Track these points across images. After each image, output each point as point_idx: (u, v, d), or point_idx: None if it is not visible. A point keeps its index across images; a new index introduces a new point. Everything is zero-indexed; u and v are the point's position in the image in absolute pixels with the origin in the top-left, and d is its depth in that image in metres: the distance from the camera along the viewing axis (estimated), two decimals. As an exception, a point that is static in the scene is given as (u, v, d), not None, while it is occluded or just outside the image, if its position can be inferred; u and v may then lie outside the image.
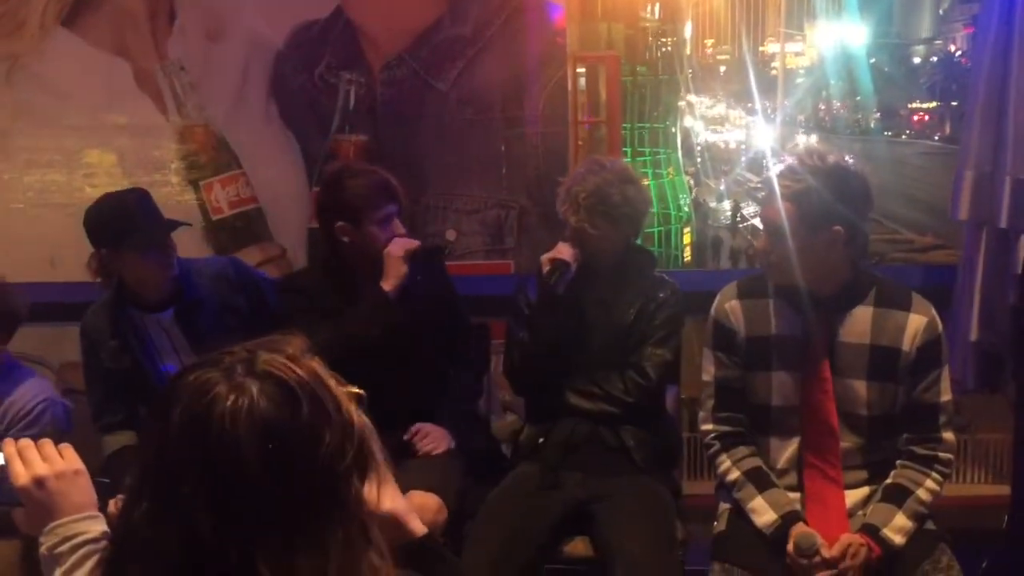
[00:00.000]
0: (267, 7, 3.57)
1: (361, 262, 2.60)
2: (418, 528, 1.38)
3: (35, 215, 3.70)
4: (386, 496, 1.25)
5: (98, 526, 1.30)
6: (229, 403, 1.01)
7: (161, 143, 3.66)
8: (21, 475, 1.29)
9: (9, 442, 1.33)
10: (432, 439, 2.58)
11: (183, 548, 1.00)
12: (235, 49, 3.59)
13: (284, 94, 3.62)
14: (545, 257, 2.54)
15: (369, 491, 1.09)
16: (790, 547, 2.12)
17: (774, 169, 2.23)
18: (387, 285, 2.55)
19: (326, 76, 3.59)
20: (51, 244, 3.64)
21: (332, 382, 1.08)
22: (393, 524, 1.32)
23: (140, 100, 3.63)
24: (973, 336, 2.99)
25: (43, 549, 1.29)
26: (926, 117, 4.23)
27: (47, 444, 1.33)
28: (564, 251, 2.52)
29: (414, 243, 2.60)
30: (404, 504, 1.36)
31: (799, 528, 2.15)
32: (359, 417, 1.09)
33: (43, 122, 3.66)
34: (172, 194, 3.60)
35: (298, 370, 1.06)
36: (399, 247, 2.56)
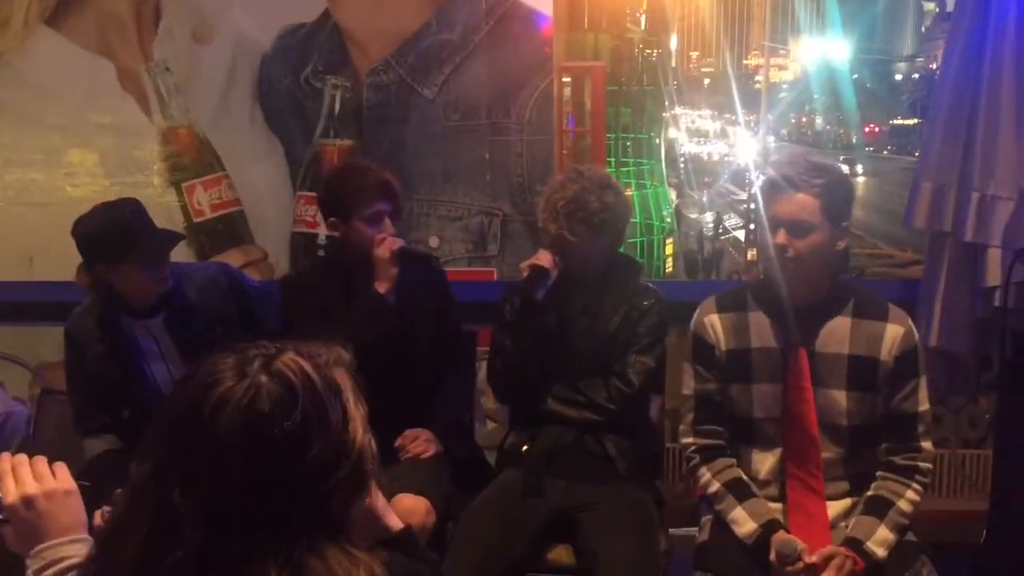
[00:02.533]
0: (254, 9, 3.56)
1: (357, 260, 2.59)
2: (395, 524, 1.38)
3: (14, 214, 3.67)
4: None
5: (84, 549, 1.27)
6: (223, 388, 1.05)
7: (144, 144, 3.63)
8: (10, 492, 1.28)
9: (4, 457, 1.32)
10: (420, 443, 2.58)
11: (155, 521, 1.03)
12: (221, 51, 3.58)
13: (269, 97, 3.61)
14: (525, 264, 2.54)
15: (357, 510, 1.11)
16: (772, 556, 2.13)
17: (788, 164, 2.23)
18: (380, 287, 2.55)
19: (312, 80, 3.58)
20: (30, 243, 3.61)
21: (350, 397, 1.11)
22: (371, 519, 1.33)
23: (123, 100, 3.61)
24: (933, 342, 3.01)
25: (29, 573, 1.27)
26: (877, 129, 4.28)
27: (40, 461, 1.31)
28: (544, 258, 2.52)
29: (398, 242, 2.58)
30: (382, 500, 1.36)
31: (780, 535, 2.16)
32: (364, 437, 1.11)
33: (25, 121, 3.64)
34: (154, 195, 3.58)
35: (314, 375, 1.08)
36: (384, 248, 2.55)
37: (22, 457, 1.31)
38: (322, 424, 1.06)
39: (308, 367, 1.09)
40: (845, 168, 2.22)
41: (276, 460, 1.04)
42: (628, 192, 3.79)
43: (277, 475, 1.03)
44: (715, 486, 2.29)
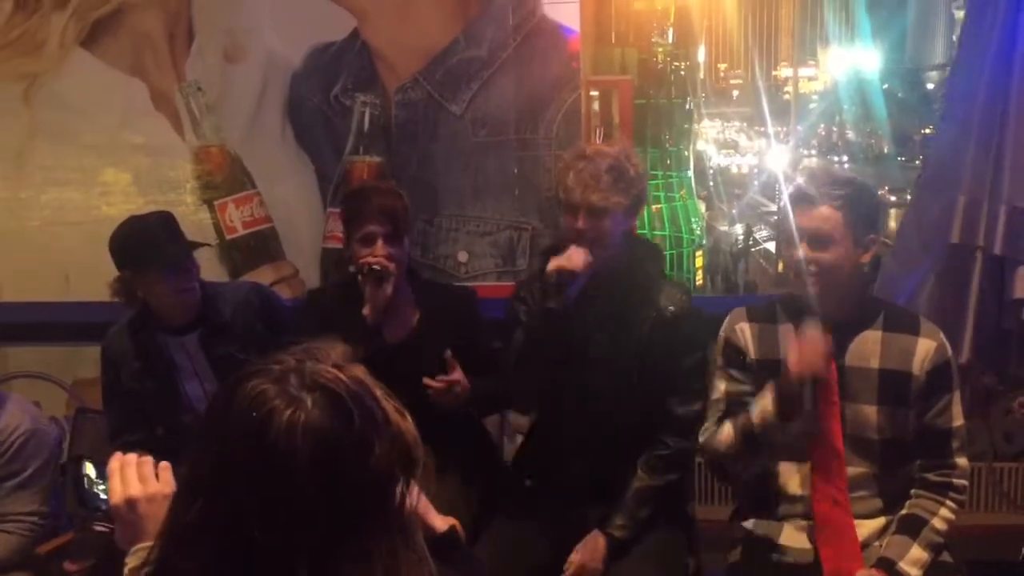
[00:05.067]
0: (284, 29, 3.60)
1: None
2: (439, 524, 1.39)
3: (51, 233, 3.72)
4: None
5: None
6: (286, 417, 1.05)
7: (177, 163, 3.68)
8: (116, 492, 1.32)
9: (116, 456, 1.36)
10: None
11: (230, 551, 1.03)
12: (252, 70, 3.62)
13: (299, 115, 3.64)
14: (552, 266, 2.26)
15: (412, 496, 1.12)
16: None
17: (810, 177, 2.22)
18: (364, 311, 2.52)
19: (341, 97, 3.61)
20: (66, 262, 3.66)
21: (378, 391, 1.12)
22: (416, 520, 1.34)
23: (157, 120, 3.65)
24: (963, 358, 2.97)
25: (127, 571, 1.30)
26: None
27: (147, 463, 1.35)
28: (576, 258, 2.24)
29: (367, 261, 2.50)
30: (425, 501, 1.37)
31: None
32: (407, 425, 1.12)
33: (60, 141, 3.69)
34: (187, 213, 3.62)
35: (347, 380, 1.10)
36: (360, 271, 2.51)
37: (131, 457, 1.36)
38: (374, 424, 1.08)
39: (338, 372, 1.10)
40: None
41: (348, 472, 1.05)
42: (656, 207, 3.80)
43: (351, 486, 1.05)
44: (725, 428, 2.24)
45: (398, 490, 1.09)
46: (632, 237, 2.44)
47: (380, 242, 2.52)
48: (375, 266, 2.49)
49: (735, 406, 2.29)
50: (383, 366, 2.26)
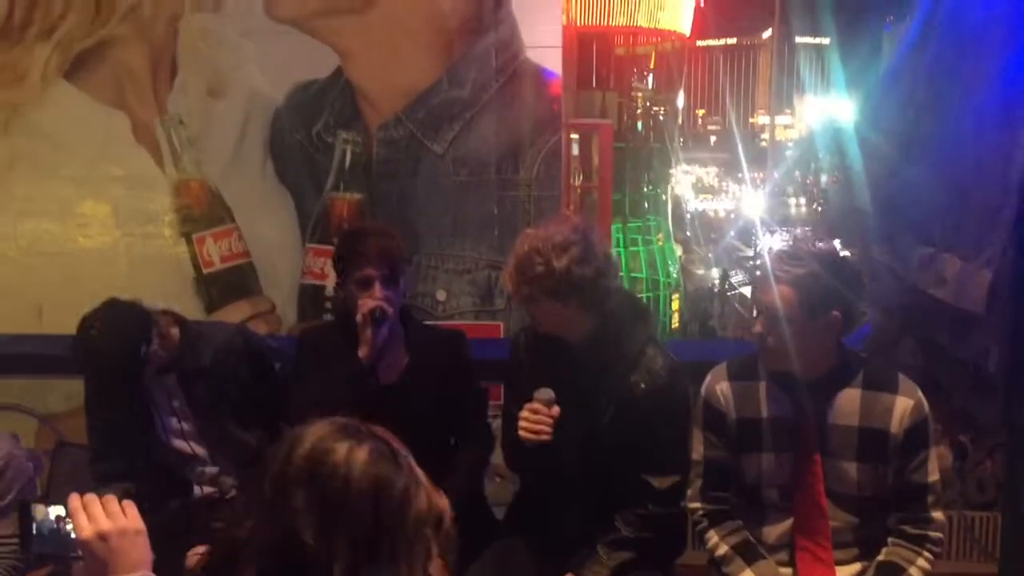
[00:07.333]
0: (268, 66, 3.62)
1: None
2: None
3: (26, 264, 3.69)
4: None
5: None
6: (346, 451, 1.28)
7: (156, 196, 3.68)
8: (85, 528, 1.32)
9: (75, 496, 1.36)
10: None
11: (282, 553, 1.23)
12: (235, 106, 3.64)
13: (281, 151, 3.66)
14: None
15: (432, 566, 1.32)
16: None
17: (772, 252, 2.24)
18: (360, 352, 2.50)
19: (323, 134, 3.64)
20: (40, 293, 3.63)
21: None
22: None
23: (137, 152, 3.66)
24: None
25: None
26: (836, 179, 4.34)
27: (112, 501, 1.36)
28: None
29: (368, 304, 2.49)
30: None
31: None
32: (443, 500, 1.35)
33: (39, 172, 3.68)
34: (165, 246, 3.61)
35: (395, 442, 1.35)
36: (358, 313, 2.50)
37: (92, 496, 1.36)
38: (417, 481, 1.31)
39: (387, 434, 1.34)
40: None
41: (392, 511, 1.27)
42: (634, 250, 3.81)
43: (391, 525, 1.27)
44: (723, 549, 2.28)
45: (425, 549, 1.28)
46: (615, 305, 2.32)
47: (378, 285, 2.51)
48: (375, 310, 2.48)
49: (713, 473, 2.32)
50: (374, 407, 2.25)
